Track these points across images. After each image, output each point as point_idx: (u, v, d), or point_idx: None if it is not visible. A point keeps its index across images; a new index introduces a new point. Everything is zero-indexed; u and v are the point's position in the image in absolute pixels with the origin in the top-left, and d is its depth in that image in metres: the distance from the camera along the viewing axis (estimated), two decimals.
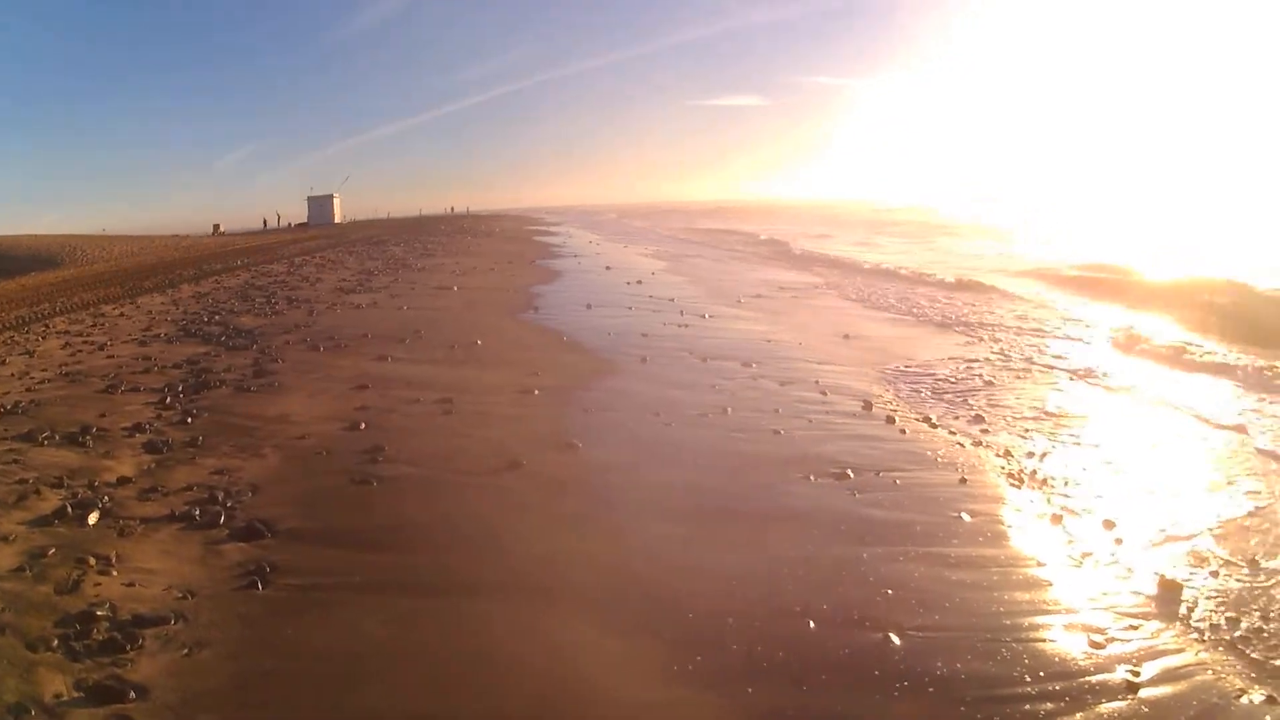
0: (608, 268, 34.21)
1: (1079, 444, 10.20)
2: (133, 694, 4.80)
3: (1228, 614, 6.21)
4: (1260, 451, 10.00)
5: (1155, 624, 6.05)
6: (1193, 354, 15.59)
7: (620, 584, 6.50)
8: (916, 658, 5.54)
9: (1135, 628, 5.99)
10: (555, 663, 5.40)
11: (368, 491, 8.25)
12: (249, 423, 10.35)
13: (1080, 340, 17.64)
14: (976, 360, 15.16)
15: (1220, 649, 5.77)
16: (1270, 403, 12.27)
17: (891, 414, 11.18)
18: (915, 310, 22.36)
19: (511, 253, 43.76)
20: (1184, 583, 6.60)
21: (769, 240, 54.98)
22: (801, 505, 8.13)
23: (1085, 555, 7.15)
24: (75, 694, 4.79)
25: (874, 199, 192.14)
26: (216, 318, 19.30)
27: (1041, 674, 5.40)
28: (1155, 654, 5.66)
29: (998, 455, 9.69)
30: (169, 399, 11.30)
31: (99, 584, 6.06)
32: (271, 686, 5.05)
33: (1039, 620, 6.09)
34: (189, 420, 10.34)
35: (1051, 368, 14.67)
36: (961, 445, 10.04)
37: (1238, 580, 6.75)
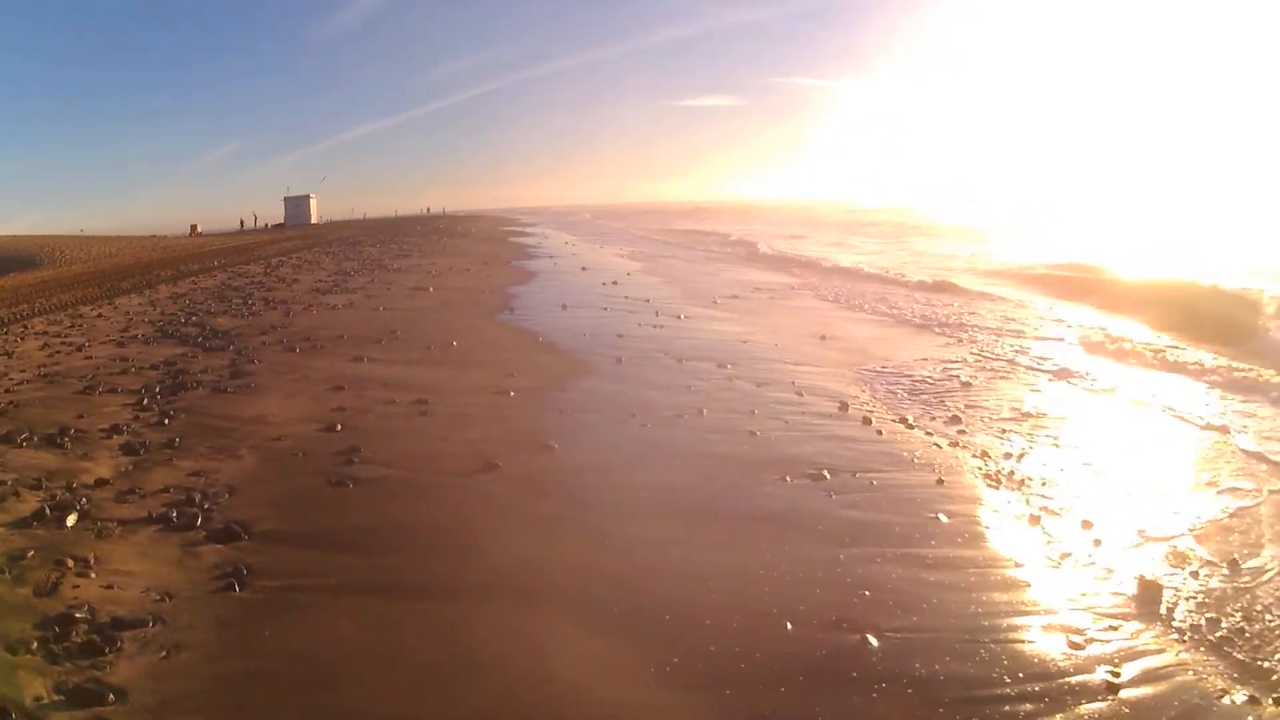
0: (583, 268, 34.14)
1: (1056, 445, 10.20)
2: (112, 697, 4.78)
3: (1208, 614, 6.19)
4: (1238, 451, 10.04)
5: (1135, 624, 6.04)
6: (1164, 354, 15.70)
7: (597, 585, 6.46)
8: (895, 659, 5.51)
9: (1115, 628, 5.98)
10: (534, 664, 5.38)
11: (344, 493, 8.22)
12: (226, 424, 10.30)
13: (1054, 340, 17.69)
14: (953, 361, 15.17)
15: (1201, 649, 5.76)
16: (1242, 401, 12.40)
17: (868, 415, 11.16)
18: (891, 311, 22.41)
19: (487, 253, 43.71)
20: (1164, 583, 6.59)
21: (744, 241, 54.86)
22: (778, 506, 8.12)
23: (1064, 556, 7.13)
24: (55, 696, 4.77)
25: (851, 200, 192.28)
26: (193, 319, 19.13)
27: (1021, 675, 5.38)
28: (1135, 654, 5.65)
29: (975, 456, 9.68)
30: (146, 400, 11.25)
31: (78, 586, 6.03)
32: (250, 689, 5.03)
33: (1018, 621, 6.07)
34: (166, 421, 10.29)
35: (1028, 368, 14.70)
36: (938, 446, 10.03)
37: (1218, 580, 6.74)
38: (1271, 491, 8.73)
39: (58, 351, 14.90)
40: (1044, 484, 8.83)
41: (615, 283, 27.58)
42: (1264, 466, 9.52)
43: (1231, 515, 8.10)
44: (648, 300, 23.02)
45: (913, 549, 7.22)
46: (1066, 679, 5.36)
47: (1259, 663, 5.61)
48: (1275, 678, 5.44)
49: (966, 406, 11.87)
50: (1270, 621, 6.13)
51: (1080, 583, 6.69)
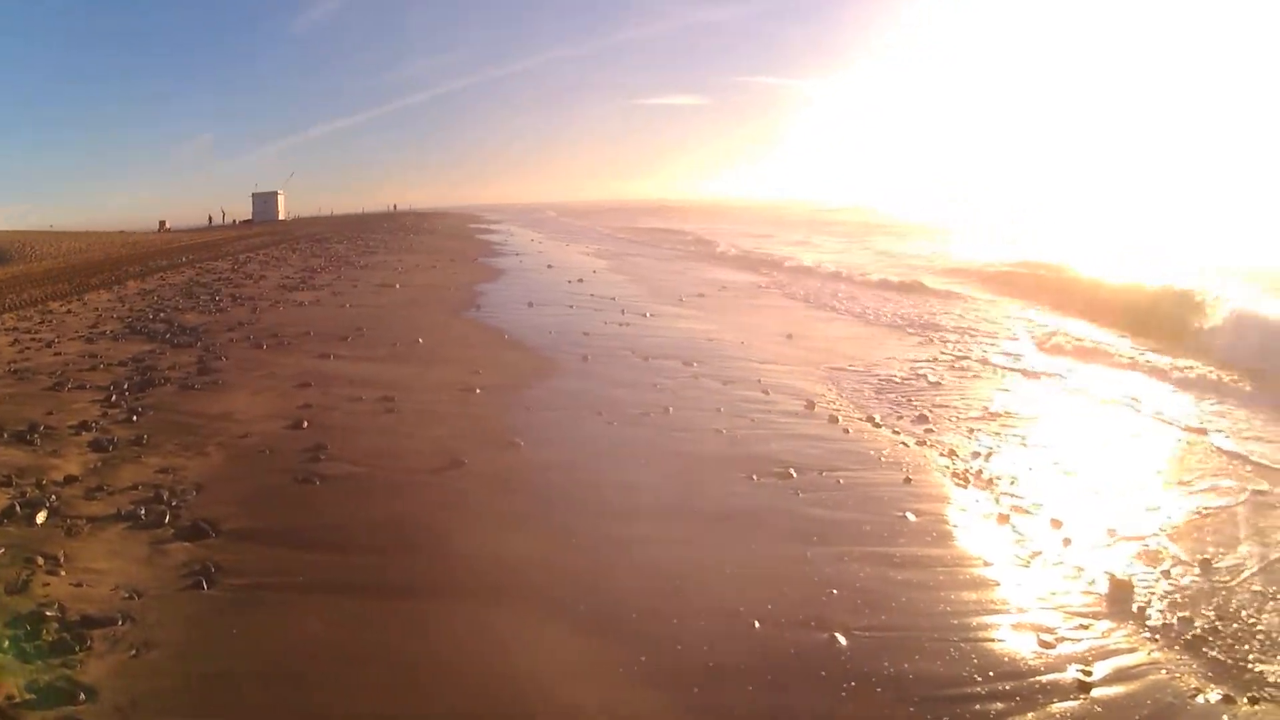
0: (549, 266, 34.09)
1: (1023, 443, 10.21)
2: (83, 695, 4.74)
3: (1181, 613, 6.17)
4: (1207, 449, 10.10)
5: (1106, 623, 6.02)
6: (1120, 353, 15.89)
7: (564, 583, 6.40)
8: (864, 657, 5.47)
9: (1086, 627, 5.96)
10: (502, 663, 5.34)
11: (311, 490, 8.16)
12: (193, 421, 10.22)
13: (1015, 339, 17.78)
14: (919, 360, 15.18)
15: (1174, 648, 5.74)
16: (1199, 399, 12.54)
17: (834, 413, 11.14)
18: (857, 310, 22.48)
19: (453, 250, 43.60)
20: (1135, 582, 6.58)
21: (708, 240, 54.79)
22: (745, 505, 8.07)
23: (1033, 555, 7.11)
24: (27, 695, 4.70)
25: (817, 198, 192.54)
26: (162, 315, 18.95)
27: (991, 674, 5.34)
28: (1107, 653, 5.63)
29: (942, 455, 9.67)
30: (115, 397, 11.15)
31: (47, 584, 5.97)
32: (219, 688, 4.99)
33: (987, 620, 6.04)
34: (134, 418, 10.21)
35: (994, 366, 14.78)
36: (905, 445, 10.01)
37: (1191, 579, 6.72)
38: (1241, 490, 8.76)
39: (28, 348, 14.71)
40: (1012, 482, 8.82)
41: (581, 280, 27.50)
42: (1235, 465, 9.58)
43: (1202, 514, 8.11)
44: (613, 298, 22.96)
45: (881, 547, 7.19)
46: (1038, 678, 5.33)
47: (1233, 661, 5.60)
48: (1249, 676, 5.43)
49: (933, 405, 11.86)
50: (1244, 620, 6.12)
51: (1050, 581, 6.66)
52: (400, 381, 12.42)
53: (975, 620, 6.05)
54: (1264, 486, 8.88)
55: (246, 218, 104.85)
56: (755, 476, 8.75)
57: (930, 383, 13.38)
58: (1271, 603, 6.40)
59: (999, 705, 5.05)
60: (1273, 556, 7.19)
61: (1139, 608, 6.27)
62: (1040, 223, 64.08)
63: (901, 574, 6.72)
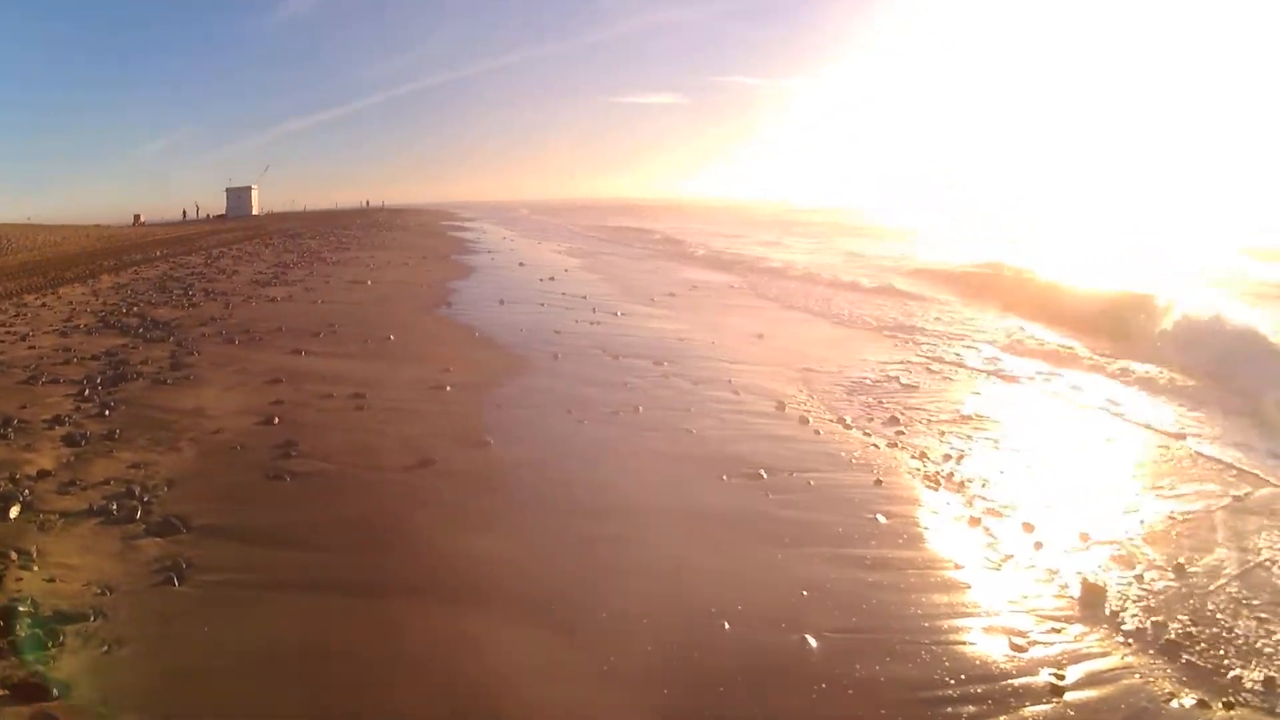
0: (521, 264, 33.99)
1: (995, 446, 10.22)
2: (56, 692, 4.72)
3: (1155, 617, 6.17)
4: (1175, 452, 10.16)
5: (1079, 627, 6.02)
6: (1084, 356, 16.06)
7: (534, 583, 6.38)
8: (835, 660, 5.46)
9: (1058, 630, 5.95)
10: (472, 662, 5.33)
11: (282, 487, 8.13)
12: (165, 416, 10.14)
13: (984, 341, 17.88)
14: (890, 361, 15.19)
15: (1149, 653, 5.74)
16: (1163, 402, 12.67)
17: (805, 414, 11.13)
18: (828, 311, 22.50)
19: (425, 247, 43.46)
20: (1108, 586, 6.59)
21: (681, 239, 54.79)
22: (715, 505, 8.06)
23: (1005, 558, 7.11)
24: (1, 691, 4.70)
25: (790, 199, 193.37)
26: (135, 309, 18.79)
27: (963, 676, 5.34)
28: (1080, 657, 5.62)
29: (914, 457, 9.66)
30: (88, 391, 11.05)
31: (20, 579, 5.92)
32: (190, 686, 4.96)
33: (959, 623, 6.03)
34: (107, 413, 10.13)
35: (965, 369, 14.83)
36: (876, 446, 9.99)
37: (1164, 583, 6.73)
38: (1213, 494, 8.82)
39: (2, 341, 14.53)
40: (984, 485, 8.82)
41: (552, 279, 27.44)
42: (1205, 468, 9.64)
43: (1174, 518, 8.13)
44: (585, 297, 22.91)
45: (852, 549, 7.18)
46: (1010, 681, 5.33)
47: (1208, 666, 5.61)
48: (1224, 681, 5.44)
49: (904, 407, 11.85)
50: (1219, 624, 6.13)
51: (1022, 585, 6.66)
52: (371, 378, 12.36)
53: (947, 623, 6.04)
54: (1234, 489, 8.95)
55: (220, 212, 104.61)
56: (726, 477, 8.73)
57: (902, 385, 13.36)
58: (1246, 607, 6.42)
59: (971, 708, 5.04)
60: (1247, 560, 7.22)
61: (1112, 611, 6.27)
62: (1016, 225, 64.28)
63: (873, 576, 6.70)
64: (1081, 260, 31.58)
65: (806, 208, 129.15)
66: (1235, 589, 6.70)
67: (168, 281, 24.87)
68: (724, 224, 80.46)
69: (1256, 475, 9.37)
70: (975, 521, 7.88)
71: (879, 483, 8.78)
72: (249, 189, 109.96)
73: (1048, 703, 5.13)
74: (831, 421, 11.02)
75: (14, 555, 6.24)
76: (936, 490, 8.69)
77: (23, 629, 5.27)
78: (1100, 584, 6.58)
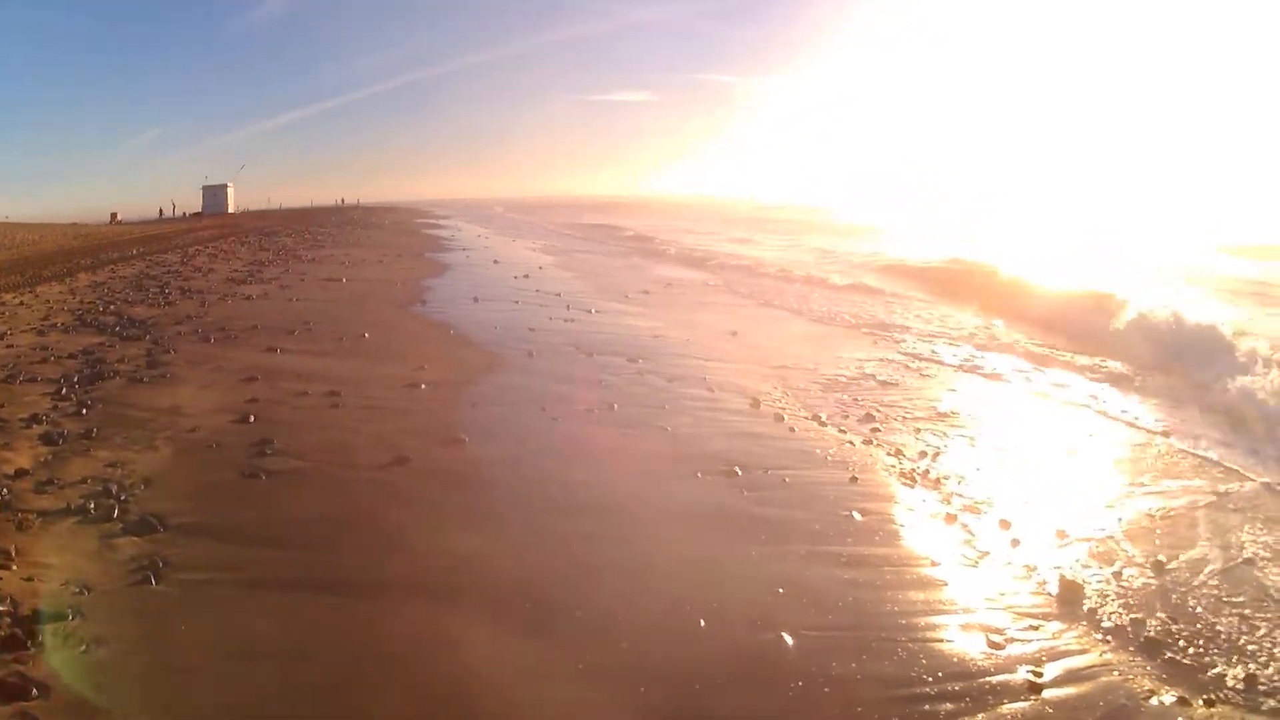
0: (496, 261, 33.81)
1: (970, 443, 10.27)
2: (35, 691, 4.68)
3: (1134, 615, 6.18)
4: (1154, 449, 10.24)
5: (1057, 624, 6.02)
6: (1046, 352, 16.27)
7: (509, 581, 6.37)
8: (811, 657, 5.44)
9: (1036, 628, 5.96)
10: (448, 661, 5.30)
11: (257, 485, 8.08)
12: (142, 414, 10.05)
13: (955, 338, 18.07)
14: (864, 358, 15.26)
15: (1128, 650, 5.74)
16: (1138, 398, 12.81)
17: (780, 412, 11.13)
18: (801, 308, 22.66)
19: (400, 245, 43.29)
20: (1085, 583, 6.59)
21: (655, 236, 54.70)
22: (690, 503, 8.04)
23: (982, 555, 7.12)
24: None
25: (765, 196, 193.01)
26: (112, 308, 18.55)
27: (941, 674, 5.33)
28: (1058, 655, 5.63)
29: (889, 454, 9.66)
30: (65, 390, 10.94)
31: None
32: (169, 685, 4.93)
33: (936, 620, 6.03)
34: (84, 411, 10.02)
35: (937, 365, 14.95)
36: (852, 444, 9.99)
37: (1143, 580, 6.75)
38: (1193, 489, 8.89)
39: None
40: (960, 482, 8.84)
41: (527, 276, 27.38)
42: (1182, 464, 9.76)
43: (1152, 514, 8.18)
44: (559, 294, 22.84)
45: (827, 547, 7.16)
46: (987, 678, 5.32)
47: (1188, 663, 5.61)
48: (1205, 678, 5.44)
49: (879, 404, 11.87)
50: (1198, 622, 6.15)
51: (999, 582, 6.67)
52: (346, 376, 12.28)
53: (923, 620, 6.02)
54: (1213, 485, 9.06)
55: (197, 210, 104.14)
56: (700, 474, 8.71)
57: (877, 382, 13.39)
58: (1226, 604, 6.44)
59: (949, 706, 5.02)
60: (1226, 556, 7.25)
61: (1090, 609, 6.29)
62: (983, 223, 64.33)
63: (848, 573, 6.69)
64: (1052, 258, 31.63)
65: (774, 205, 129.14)
66: (1215, 585, 6.74)
67: (144, 280, 24.59)
68: (696, 221, 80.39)
69: (1237, 471, 9.51)
70: (952, 518, 7.87)
71: (855, 480, 8.77)
72: (225, 187, 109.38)
73: (1026, 700, 5.11)
74: (806, 419, 11.02)
75: None
76: (913, 487, 8.69)
77: (2, 628, 5.24)
78: (1078, 581, 6.58)
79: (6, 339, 14.42)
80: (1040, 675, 5.36)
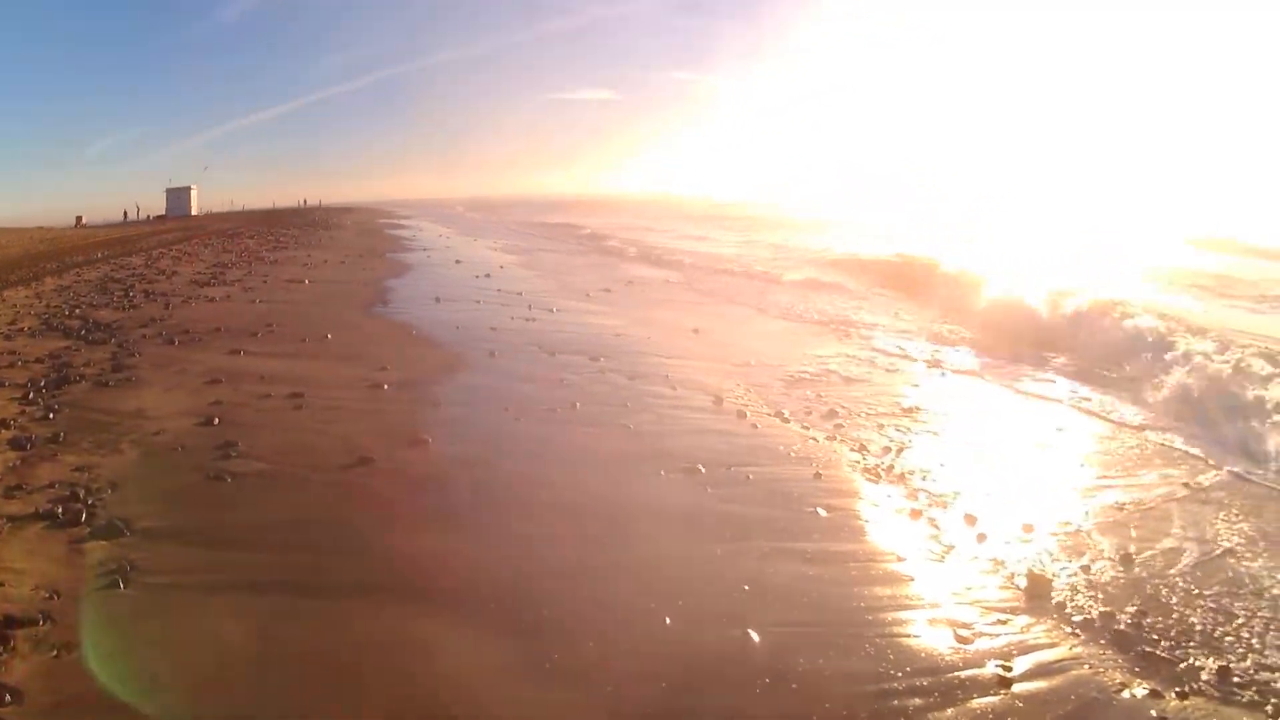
0: (457, 261, 33.66)
1: (935, 437, 10.32)
2: (8, 697, 4.69)
3: (1103, 608, 6.18)
4: (1116, 441, 10.38)
5: (1025, 618, 6.03)
6: (997, 348, 16.30)
7: (474, 581, 6.34)
8: (778, 654, 5.43)
9: (1004, 622, 5.96)
10: (415, 662, 5.28)
11: (223, 488, 8.03)
12: (108, 418, 10.03)
13: (914, 332, 18.27)
14: (826, 355, 15.29)
15: (1098, 643, 5.75)
16: (1085, 386, 13.09)
17: (742, 409, 11.12)
18: (761, 304, 22.74)
19: (363, 246, 43.01)
20: (1054, 576, 6.61)
21: (616, 235, 54.64)
22: (653, 501, 8.02)
23: (948, 550, 7.12)
24: None
25: (718, 193, 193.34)
26: (77, 311, 18.46)
27: (909, 669, 5.33)
28: (1027, 648, 5.63)
29: (853, 450, 9.67)
30: (33, 394, 10.94)
31: None
32: (139, 689, 4.89)
33: (903, 615, 6.02)
34: (51, 415, 10.02)
35: (892, 357, 15.08)
36: (815, 440, 10.00)
37: (1112, 573, 6.76)
38: (1156, 481, 8.99)
39: None
40: (924, 477, 8.86)
41: (488, 276, 27.31)
42: (1150, 455, 9.91)
43: (1119, 506, 8.22)
44: (520, 293, 22.78)
45: (792, 543, 7.15)
46: (956, 673, 5.32)
47: (1161, 656, 5.61)
48: (1178, 671, 5.44)
49: (843, 401, 11.88)
50: (1169, 614, 6.17)
51: (966, 576, 6.67)
52: (309, 377, 12.23)
53: (890, 616, 6.02)
54: (1180, 476, 9.17)
55: (161, 213, 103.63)
56: (664, 472, 8.69)
57: (840, 378, 13.43)
58: (1198, 596, 6.46)
59: (917, 701, 5.02)
60: (1196, 548, 7.30)
61: (1059, 602, 6.29)
62: (945, 219, 64.43)
63: (814, 569, 6.68)
64: (1007, 254, 31.80)
65: (729, 202, 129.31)
66: (1185, 577, 6.77)
67: (109, 283, 24.44)
68: (654, 219, 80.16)
69: (1206, 461, 9.69)
70: (917, 514, 7.88)
71: (818, 476, 8.77)
72: (188, 189, 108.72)
73: (996, 694, 5.11)
74: (769, 415, 11.03)
75: None
76: (877, 483, 8.70)
77: None
78: (1046, 574, 6.60)
79: None
80: (1010, 669, 5.35)
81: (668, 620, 5.80)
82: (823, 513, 7.84)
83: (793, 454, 9.48)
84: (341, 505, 7.75)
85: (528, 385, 12.32)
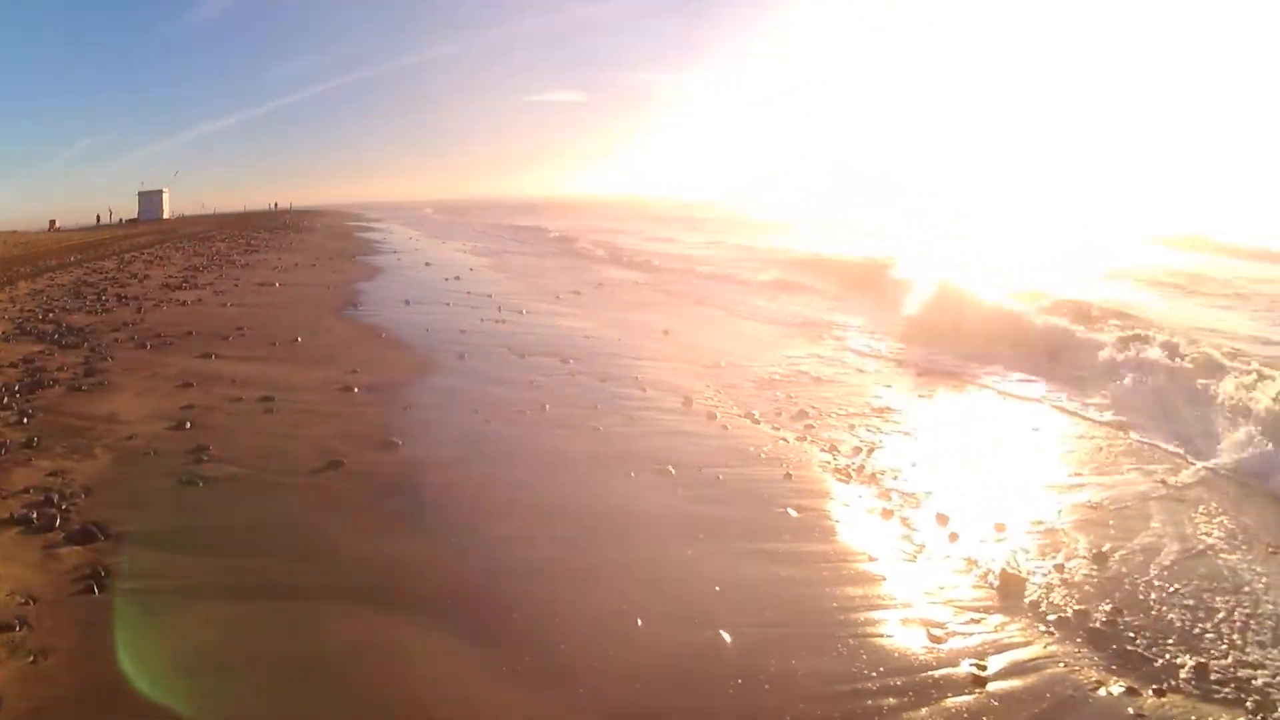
0: (427, 264, 33.61)
1: (905, 437, 10.33)
2: None
3: (1077, 606, 6.18)
4: (1088, 440, 10.43)
5: (999, 617, 6.02)
6: (969, 350, 16.24)
7: (445, 585, 6.33)
8: (750, 655, 5.41)
9: (978, 621, 5.95)
10: (388, 665, 5.26)
11: (195, 492, 8.01)
12: (81, 423, 10.00)
13: (879, 334, 18.31)
14: (795, 355, 15.33)
15: (1073, 641, 5.75)
16: (1053, 392, 12.91)
17: (712, 410, 11.11)
18: (731, 305, 22.78)
19: (333, 249, 42.88)
20: (1027, 575, 6.61)
21: (582, 236, 54.49)
22: (624, 502, 8.01)
23: (920, 549, 7.11)
24: None
25: (684, 194, 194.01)
26: (50, 315, 18.39)
27: (882, 669, 5.31)
28: (1001, 647, 5.62)
29: (824, 450, 9.66)
30: (6, 399, 10.90)
31: None
32: (112, 695, 4.90)
33: (875, 615, 6.00)
34: (25, 420, 9.98)
35: (861, 356, 15.20)
36: (785, 440, 9.99)
37: (1085, 571, 6.77)
38: (1128, 478, 9.04)
39: None
40: (895, 477, 8.84)
41: (458, 278, 27.26)
42: (1120, 452, 9.97)
43: (1092, 504, 8.25)
44: (489, 295, 22.77)
45: (763, 544, 7.14)
46: (930, 673, 5.30)
47: (1136, 653, 5.61)
48: (1154, 668, 5.45)
49: (813, 401, 11.88)
50: (1144, 611, 6.18)
51: (939, 576, 6.66)
52: (280, 381, 12.18)
53: (863, 615, 6.00)
54: (1154, 474, 9.22)
55: (133, 217, 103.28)
56: (634, 474, 8.67)
57: (811, 378, 13.44)
58: (1173, 593, 6.48)
59: (891, 700, 5.01)
60: (1170, 545, 7.32)
61: (1033, 601, 6.30)
62: (912, 220, 64.59)
63: (785, 570, 6.67)
64: (990, 256, 31.94)
65: (695, 203, 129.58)
66: (1160, 574, 6.79)
67: (82, 287, 24.32)
68: (622, 220, 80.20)
69: (1181, 458, 9.78)
70: (889, 514, 7.86)
71: (789, 476, 8.76)
72: (160, 193, 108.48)
73: (970, 693, 5.10)
74: (740, 416, 11.02)
75: None
76: (848, 483, 8.68)
77: None
78: (1019, 573, 6.60)
79: None
80: (984, 668, 5.34)
81: (639, 622, 5.77)
82: (794, 513, 7.82)
83: (763, 455, 9.47)
84: (313, 509, 7.72)
85: (498, 388, 12.28)
